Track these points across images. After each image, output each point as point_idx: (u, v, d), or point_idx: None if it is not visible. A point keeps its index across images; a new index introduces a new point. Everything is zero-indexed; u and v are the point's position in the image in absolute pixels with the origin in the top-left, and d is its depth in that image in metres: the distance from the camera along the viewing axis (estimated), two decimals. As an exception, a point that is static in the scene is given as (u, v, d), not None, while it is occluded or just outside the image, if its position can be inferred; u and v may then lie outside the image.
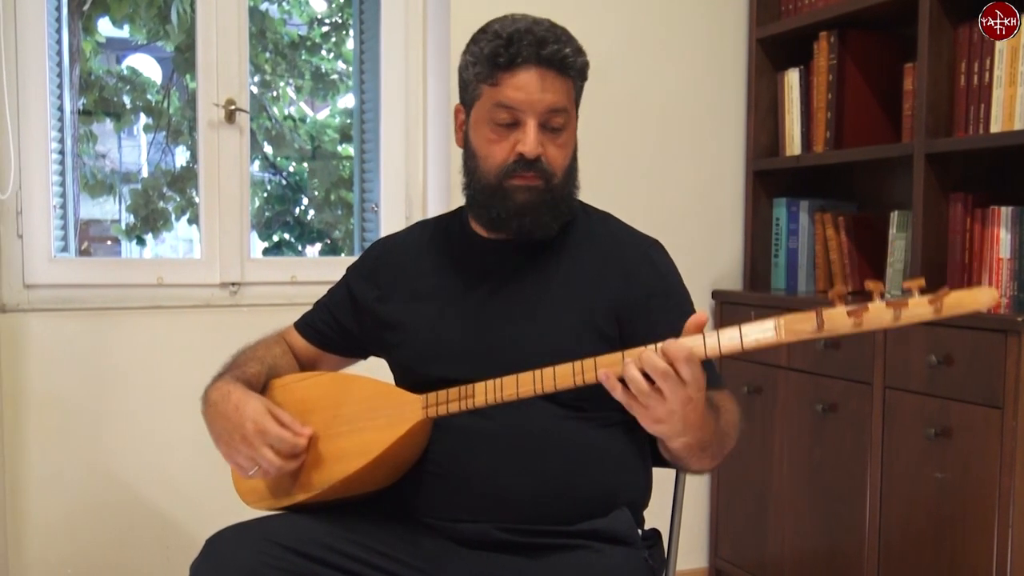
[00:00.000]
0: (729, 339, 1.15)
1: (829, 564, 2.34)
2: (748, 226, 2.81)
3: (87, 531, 2.40)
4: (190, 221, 5.84)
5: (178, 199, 5.91)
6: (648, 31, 2.73)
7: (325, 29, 6.42)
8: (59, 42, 2.57)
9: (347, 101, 6.41)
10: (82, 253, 4.91)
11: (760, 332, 1.14)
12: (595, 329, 1.40)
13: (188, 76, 5.73)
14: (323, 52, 6.37)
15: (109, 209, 6.62)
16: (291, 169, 6.73)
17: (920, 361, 2.05)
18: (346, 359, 1.63)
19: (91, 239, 6.77)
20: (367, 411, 1.36)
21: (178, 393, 2.37)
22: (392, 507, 1.41)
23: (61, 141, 2.55)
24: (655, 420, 1.18)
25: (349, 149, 6.14)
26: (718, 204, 2.83)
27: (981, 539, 1.93)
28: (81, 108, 5.55)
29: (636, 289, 1.43)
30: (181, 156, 6.20)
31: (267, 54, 6.11)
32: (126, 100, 6.03)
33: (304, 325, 1.62)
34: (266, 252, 6.39)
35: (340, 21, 6.31)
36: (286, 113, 6.45)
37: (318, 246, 6.56)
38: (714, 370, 1.35)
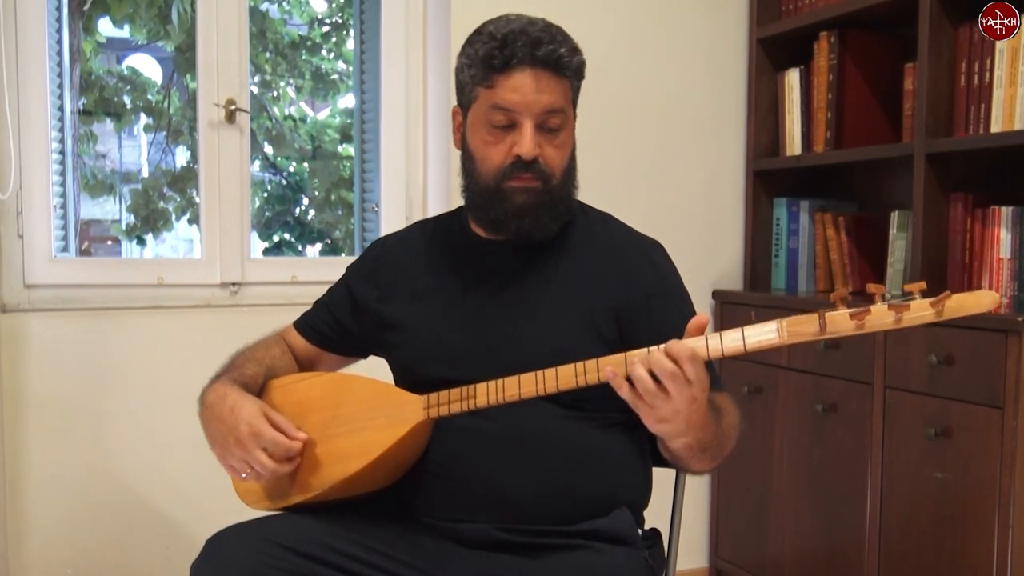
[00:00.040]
0: (732, 340, 1.16)
1: (829, 564, 2.34)
2: (748, 226, 2.81)
3: (87, 531, 2.40)
4: (190, 221, 5.84)
5: (178, 199, 5.91)
6: (648, 31, 2.73)
7: (325, 29, 6.42)
8: (59, 42, 2.57)
9: (347, 101, 6.41)
10: (82, 253, 4.91)
11: (762, 334, 1.15)
12: (595, 330, 1.40)
13: (188, 76, 5.74)
14: (323, 52, 6.38)
15: (109, 209, 6.62)
16: (291, 169, 6.73)
17: (920, 361, 2.05)
18: (346, 359, 1.63)
19: (91, 239, 6.77)
20: (367, 411, 1.36)
21: (178, 393, 2.36)
22: (392, 507, 1.41)
23: (61, 141, 2.55)
24: (659, 419, 1.18)
25: (349, 149, 6.14)
26: (718, 204, 2.83)
27: (981, 539, 1.93)
28: (81, 108, 5.56)
29: (636, 290, 1.43)
30: (181, 156, 6.20)
31: (267, 54, 6.11)
32: (126, 100, 6.03)
33: (303, 325, 1.62)
34: (266, 252, 6.39)
35: (340, 21, 6.32)
36: (286, 113, 6.45)
37: (318, 246, 6.57)
38: (715, 373, 1.35)
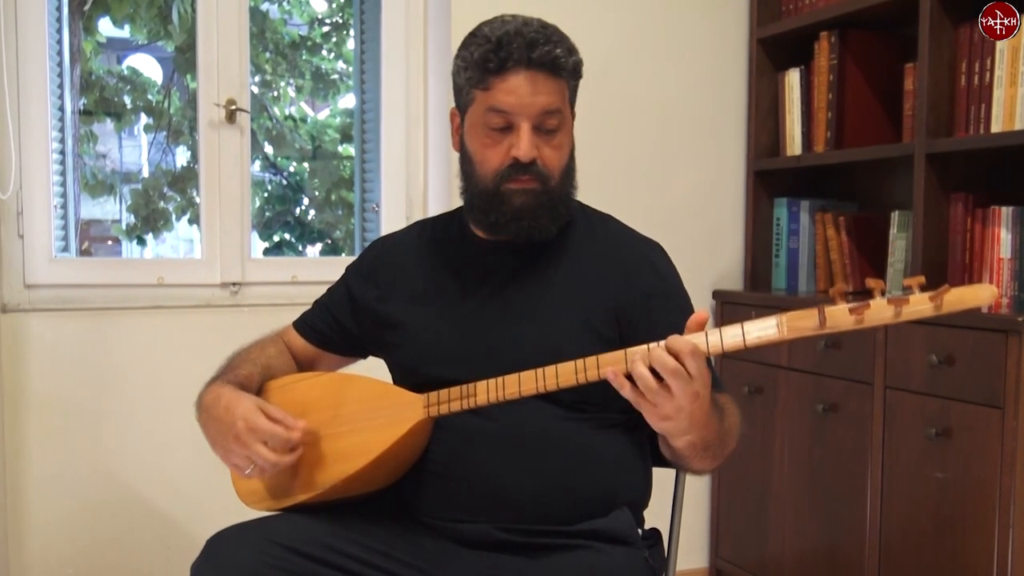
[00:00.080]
0: (732, 336, 1.16)
1: (829, 564, 2.34)
2: (749, 226, 2.81)
3: (88, 531, 2.40)
4: (191, 221, 5.84)
5: (179, 199, 5.91)
6: (648, 31, 2.73)
7: (326, 29, 6.42)
8: (60, 42, 2.57)
9: (348, 101, 6.41)
10: (83, 253, 4.91)
11: (762, 329, 1.15)
12: (594, 330, 1.40)
13: (189, 76, 5.74)
14: (324, 52, 6.38)
15: (110, 209, 6.62)
16: (292, 169, 6.73)
17: (921, 361, 2.05)
18: (345, 359, 1.63)
19: (92, 239, 6.77)
20: (367, 411, 1.36)
21: (178, 393, 2.35)
22: (392, 507, 1.41)
23: (62, 141, 2.55)
24: (662, 417, 1.18)
25: (350, 149, 6.14)
26: (719, 204, 2.83)
27: (981, 539, 1.92)
28: (82, 108, 5.56)
29: (636, 291, 1.43)
30: (182, 156, 6.20)
31: (268, 54, 6.11)
32: (127, 100, 6.03)
33: (303, 325, 1.62)
34: (267, 252, 6.39)
35: (340, 21, 6.32)
36: (287, 113, 6.45)
37: (319, 246, 6.57)
38: (715, 373, 1.35)
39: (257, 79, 6.09)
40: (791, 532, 2.47)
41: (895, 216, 2.38)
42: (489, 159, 1.39)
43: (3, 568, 2.33)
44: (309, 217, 6.66)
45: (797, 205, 2.71)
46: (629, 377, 1.17)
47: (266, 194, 6.60)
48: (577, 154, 1.46)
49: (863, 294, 1.13)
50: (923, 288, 1.09)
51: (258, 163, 6.39)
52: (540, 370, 1.25)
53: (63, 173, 2.57)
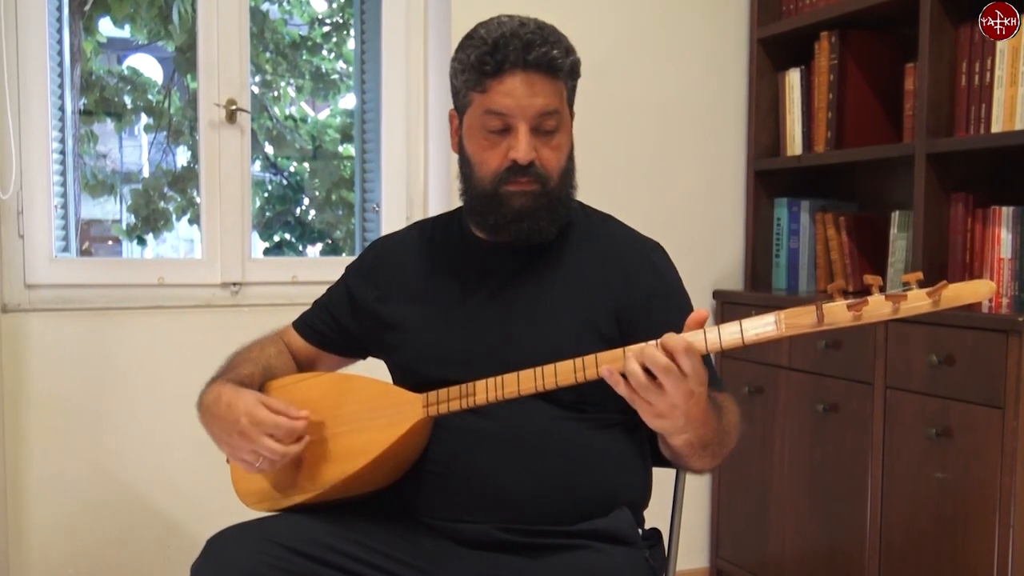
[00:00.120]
0: (730, 333, 1.16)
1: (830, 564, 2.34)
2: (749, 226, 2.81)
3: (88, 531, 2.40)
4: (191, 221, 5.84)
5: (179, 199, 5.91)
6: (648, 31, 2.73)
7: (326, 29, 6.42)
8: (60, 42, 2.57)
9: (348, 101, 6.40)
10: (83, 253, 4.91)
11: (761, 326, 1.15)
12: (595, 330, 1.40)
13: (189, 76, 5.73)
14: (324, 52, 6.37)
15: (110, 209, 6.62)
16: (292, 169, 6.73)
17: (921, 361, 2.05)
18: (345, 359, 1.63)
19: (92, 239, 6.77)
20: (367, 411, 1.36)
21: (179, 393, 2.36)
22: (392, 507, 1.41)
23: (62, 141, 2.55)
24: (657, 415, 1.18)
25: (350, 149, 6.14)
26: (719, 204, 2.83)
27: (982, 539, 1.92)
28: (82, 108, 5.55)
29: (636, 291, 1.43)
30: (182, 156, 6.20)
31: (268, 54, 6.11)
32: (127, 100, 6.02)
33: (302, 325, 1.62)
34: (267, 252, 6.39)
35: (341, 21, 6.31)
36: (287, 113, 6.45)
37: (319, 246, 6.56)
38: (714, 372, 1.35)
39: (257, 79, 6.08)
40: (791, 532, 2.47)
41: (895, 216, 2.38)
42: (488, 161, 1.39)
43: (3, 568, 2.33)
44: (309, 217, 6.65)
45: (797, 205, 2.71)
46: (624, 376, 1.17)
47: (266, 194, 6.60)
48: (577, 154, 1.46)
49: (863, 294, 1.13)
50: (921, 284, 1.09)
51: (258, 163, 6.38)
52: (539, 369, 1.25)
53: (63, 173, 2.57)
